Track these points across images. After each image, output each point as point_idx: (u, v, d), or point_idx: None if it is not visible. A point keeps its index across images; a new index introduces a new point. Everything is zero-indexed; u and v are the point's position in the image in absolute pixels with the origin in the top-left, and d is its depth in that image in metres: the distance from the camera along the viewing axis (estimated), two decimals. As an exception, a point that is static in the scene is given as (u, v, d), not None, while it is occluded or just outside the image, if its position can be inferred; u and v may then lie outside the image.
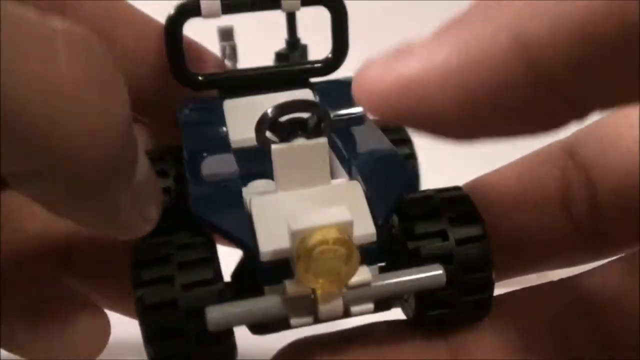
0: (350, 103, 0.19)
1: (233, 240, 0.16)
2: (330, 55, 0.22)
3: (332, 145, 0.19)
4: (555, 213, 0.21)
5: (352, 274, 0.15)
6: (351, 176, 0.18)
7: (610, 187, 0.20)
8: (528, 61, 0.13)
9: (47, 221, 0.22)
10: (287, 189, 0.17)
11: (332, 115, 0.19)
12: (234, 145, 0.20)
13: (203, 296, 0.16)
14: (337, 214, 0.15)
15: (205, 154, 0.19)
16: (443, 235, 0.17)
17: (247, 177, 0.19)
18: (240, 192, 0.17)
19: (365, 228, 0.16)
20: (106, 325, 0.22)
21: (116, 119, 0.14)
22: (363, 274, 0.16)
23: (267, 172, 0.18)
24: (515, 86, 0.13)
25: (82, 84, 0.13)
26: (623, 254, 0.21)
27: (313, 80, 0.23)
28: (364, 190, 0.17)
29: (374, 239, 0.16)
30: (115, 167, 0.14)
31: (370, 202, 0.17)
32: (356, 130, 0.20)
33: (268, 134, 0.17)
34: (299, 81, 0.22)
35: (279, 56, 0.23)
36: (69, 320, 0.21)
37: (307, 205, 0.16)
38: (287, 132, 0.16)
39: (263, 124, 0.16)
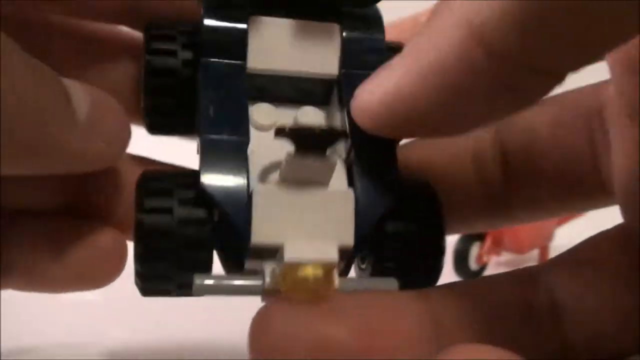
0: (375, 52, 0.20)
1: (230, 221, 0.18)
2: None
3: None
4: (469, 177, 0.23)
5: (326, 297, 0.17)
6: (350, 174, 0.19)
7: (517, 148, 0.22)
8: (486, 46, 0.14)
9: None
10: (289, 184, 0.18)
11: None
12: (249, 71, 0.20)
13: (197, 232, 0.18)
14: (326, 252, 0.17)
15: (221, 106, 0.19)
16: (405, 248, 0.19)
17: (255, 98, 0.20)
18: (246, 170, 0.18)
19: (345, 238, 0.18)
20: (124, 246, 0.22)
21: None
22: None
23: (272, 96, 0.20)
24: (482, 71, 0.14)
25: None
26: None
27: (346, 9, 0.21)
28: (355, 198, 0.18)
29: (350, 249, 0.18)
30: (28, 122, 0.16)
31: (358, 211, 0.18)
32: None
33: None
34: (330, 8, 0.21)
35: None
36: (89, 243, 0.22)
37: (303, 209, 0.18)
38: (304, 143, 0.17)
39: (280, 136, 0.17)
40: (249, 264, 0.18)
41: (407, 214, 0.19)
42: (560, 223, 0.39)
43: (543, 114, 0.22)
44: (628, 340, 0.18)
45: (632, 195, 0.19)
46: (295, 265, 0.17)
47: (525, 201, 0.23)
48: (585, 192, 0.22)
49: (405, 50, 0.16)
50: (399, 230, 0.19)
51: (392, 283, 0.18)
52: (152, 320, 0.33)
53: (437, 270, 0.20)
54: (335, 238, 0.18)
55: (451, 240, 0.37)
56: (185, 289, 0.18)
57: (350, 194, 0.18)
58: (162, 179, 0.19)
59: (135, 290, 0.19)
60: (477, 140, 0.23)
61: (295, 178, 0.18)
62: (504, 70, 0.14)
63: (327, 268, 0.17)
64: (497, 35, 0.14)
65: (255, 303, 0.19)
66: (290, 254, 0.17)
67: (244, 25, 0.20)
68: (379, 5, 0.21)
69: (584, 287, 0.19)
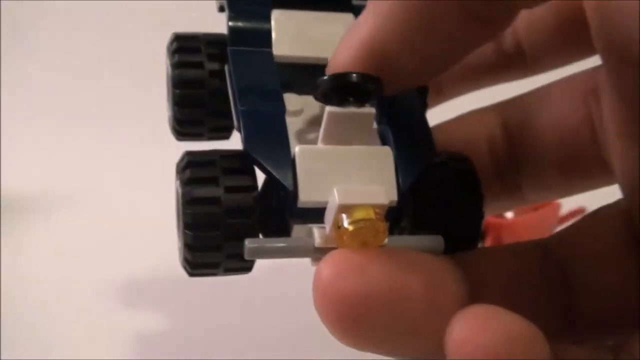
0: None
1: (276, 182, 0.18)
2: None
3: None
4: (484, 161, 0.24)
5: (377, 245, 0.17)
6: (384, 138, 0.20)
7: (521, 131, 0.24)
8: None
9: None
10: (329, 143, 0.18)
11: None
12: (276, 59, 0.21)
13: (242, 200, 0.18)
14: (377, 195, 0.17)
15: (255, 85, 0.20)
16: (445, 206, 0.19)
17: (281, 87, 0.21)
18: (287, 135, 0.19)
19: (389, 194, 0.18)
20: None
21: None
22: None
23: (296, 85, 0.21)
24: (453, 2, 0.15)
25: None
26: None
27: (356, 2, 0.22)
28: (394, 155, 0.19)
29: (395, 204, 0.18)
30: None
31: (398, 167, 0.19)
32: None
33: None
34: (342, 2, 0.22)
35: None
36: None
37: (346, 166, 0.18)
38: (341, 96, 0.18)
39: (320, 86, 0.17)
40: (295, 231, 0.18)
41: (445, 178, 0.20)
42: (560, 223, 0.39)
43: (542, 98, 0.24)
44: (633, 314, 0.19)
45: (629, 175, 0.20)
46: (348, 211, 0.17)
47: (534, 181, 0.24)
48: (587, 169, 0.23)
49: (369, 3, 0.17)
50: (439, 197, 0.19)
51: (438, 241, 0.18)
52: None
53: (476, 234, 0.20)
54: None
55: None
56: (233, 262, 0.18)
57: (389, 150, 0.19)
58: (204, 153, 0.19)
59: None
60: (489, 125, 0.24)
61: (335, 135, 0.18)
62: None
63: (378, 212, 0.17)
64: None
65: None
66: (342, 199, 0.17)
67: (267, 18, 0.21)
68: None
69: (592, 261, 0.20)
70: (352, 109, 0.18)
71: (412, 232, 0.20)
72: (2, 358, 0.29)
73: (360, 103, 0.18)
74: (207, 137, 0.22)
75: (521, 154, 0.24)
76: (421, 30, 0.16)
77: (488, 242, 0.39)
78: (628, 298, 0.19)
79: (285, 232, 0.19)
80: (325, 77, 0.17)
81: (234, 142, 0.20)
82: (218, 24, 0.22)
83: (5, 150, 0.40)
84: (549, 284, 0.20)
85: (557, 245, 0.21)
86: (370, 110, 0.18)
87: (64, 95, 0.45)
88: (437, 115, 0.24)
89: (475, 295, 0.18)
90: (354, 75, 0.17)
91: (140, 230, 0.36)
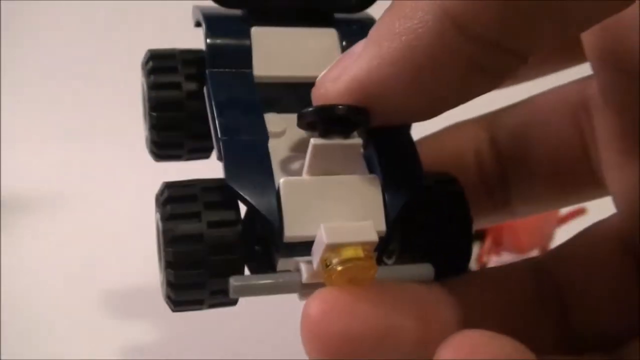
0: None
1: (260, 217, 0.17)
2: None
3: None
4: (471, 175, 0.23)
5: (366, 282, 0.16)
6: (371, 165, 0.19)
7: (511, 145, 0.23)
8: (465, 30, 0.14)
9: None
10: (314, 174, 0.18)
11: None
12: (256, 80, 0.20)
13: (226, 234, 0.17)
14: (365, 232, 0.17)
15: (235, 111, 0.19)
16: (434, 230, 0.19)
17: (263, 107, 0.20)
18: (270, 165, 0.18)
19: (377, 224, 0.17)
20: None
21: None
22: None
23: (278, 104, 0.20)
24: (458, 53, 0.15)
25: None
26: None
27: (338, 16, 0.22)
28: (381, 184, 0.18)
29: (383, 234, 0.18)
30: None
31: (386, 194, 0.18)
32: None
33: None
34: (325, 17, 0.21)
35: None
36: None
37: (332, 197, 0.17)
38: (326, 128, 0.17)
39: (304, 118, 0.17)
40: (280, 264, 0.18)
41: (433, 202, 0.19)
42: (560, 223, 0.39)
43: (531, 112, 0.23)
44: (626, 326, 0.19)
45: (625, 190, 0.20)
46: (336, 249, 0.16)
47: (523, 196, 0.24)
48: (578, 182, 0.23)
49: (370, 37, 0.16)
50: (427, 220, 0.19)
51: (428, 269, 0.18)
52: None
53: (466, 257, 0.20)
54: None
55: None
56: (217, 298, 0.18)
57: (376, 178, 0.18)
58: (185, 186, 0.18)
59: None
60: (476, 139, 0.24)
61: (321, 166, 0.17)
62: (479, 51, 0.15)
63: (367, 249, 0.16)
64: (477, 19, 0.14)
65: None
66: (330, 238, 0.16)
67: (246, 36, 0.20)
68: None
69: (587, 276, 0.20)
70: (337, 141, 0.17)
71: (401, 255, 0.19)
72: (2, 358, 0.29)
73: (346, 134, 0.17)
74: (185, 158, 0.21)
75: (510, 169, 0.23)
76: (422, 82, 0.16)
77: (488, 244, 0.39)
78: (625, 309, 0.19)
79: (270, 261, 0.18)
80: (311, 109, 0.17)
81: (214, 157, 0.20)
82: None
83: (5, 150, 0.40)
84: (544, 301, 0.20)
85: (551, 263, 0.21)
86: (357, 141, 0.17)
87: (65, 96, 0.45)
88: (422, 125, 0.24)
89: (469, 319, 0.17)
90: (340, 107, 0.16)
91: (141, 231, 0.36)
